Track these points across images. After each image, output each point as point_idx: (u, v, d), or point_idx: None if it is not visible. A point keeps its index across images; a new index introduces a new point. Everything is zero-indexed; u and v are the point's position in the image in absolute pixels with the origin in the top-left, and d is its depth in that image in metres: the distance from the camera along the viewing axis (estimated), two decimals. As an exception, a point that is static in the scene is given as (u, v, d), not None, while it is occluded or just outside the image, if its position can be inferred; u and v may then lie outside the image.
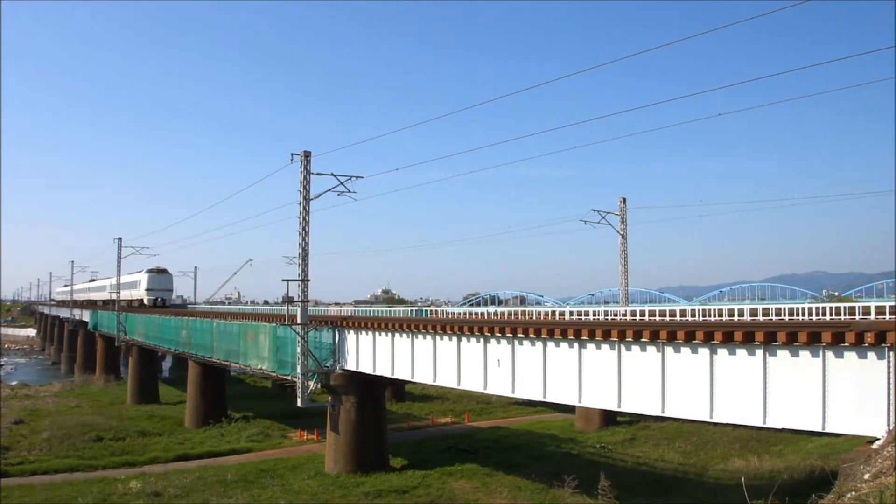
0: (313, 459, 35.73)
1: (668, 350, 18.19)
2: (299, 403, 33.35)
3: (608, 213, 49.21)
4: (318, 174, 33.83)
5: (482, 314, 60.53)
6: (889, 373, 13.85)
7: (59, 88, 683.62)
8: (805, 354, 15.30)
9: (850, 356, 14.55)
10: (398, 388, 57.30)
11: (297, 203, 33.73)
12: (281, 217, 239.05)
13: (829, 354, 14.86)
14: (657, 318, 44.94)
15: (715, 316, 43.92)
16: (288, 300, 33.92)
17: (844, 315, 41.39)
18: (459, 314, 67.01)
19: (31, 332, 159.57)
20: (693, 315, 45.26)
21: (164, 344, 57.94)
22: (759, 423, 16.29)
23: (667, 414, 18.44)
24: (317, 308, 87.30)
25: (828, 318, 42.13)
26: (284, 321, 34.23)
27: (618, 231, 49.21)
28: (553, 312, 58.96)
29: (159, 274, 73.63)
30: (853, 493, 8.39)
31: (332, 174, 33.90)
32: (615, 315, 47.88)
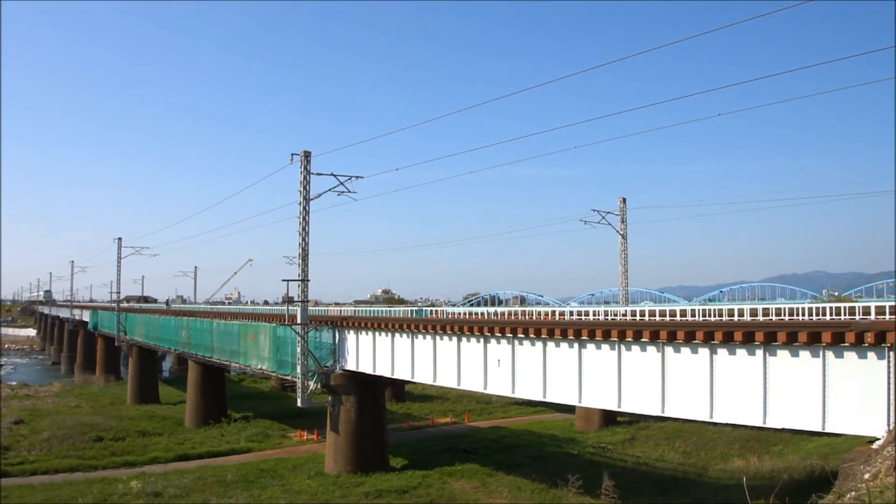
0: (313, 459, 35.73)
1: (668, 350, 18.19)
2: (299, 403, 33.36)
3: (608, 213, 49.28)
4: (318, 174, 33.86)
5: (482, 314, 60.53)
6: (889, 373, 13.85)
7: (58, 88, 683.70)
8: (805, 354, 15.30)
9: (850, 356, 14.55)
10: (398, 388, 57.30)
11: (297, 203, 33.75)
12: (281, 217, 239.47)
13: (829, 354, 14.86)
14: (657, 318, 44.94)
15: (715, 316, 43.93)
16: (288, 300, 33.93)
17: (844, 315, 41.40)
18: (459, 314, 67.01)
19: (32, 332, 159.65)
20: (693, 315, 45.26)
21: (164, 344, 57.95)
22: (759, 423, 16.29)
23: (667, 414, 18.44)
24: (317, 308, 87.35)
25: (828, 318, 42.14)
26: (284, 321, 34.24)
27: (618, 231, 49.24)
28: (553, 312, 58.96)
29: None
30: (853, 493, 8.39)
31: (332, 174, 33.94)
32: (615, 315, 47.91)
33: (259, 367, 39.46)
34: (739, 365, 16.54)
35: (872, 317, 38.91)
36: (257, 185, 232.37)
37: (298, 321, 32.91)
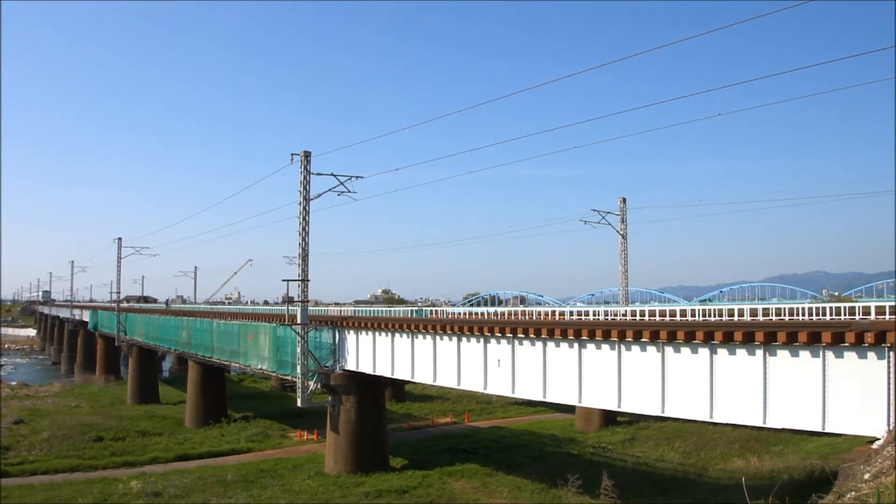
0: (313, 459, 35.73)
1: (668, 350, 18.18)
2: (299, 403, 33.35)
3: (608, 213, 49.28)
4: (318, 174, 33.86)
5: (482, 314, 60.51)
6: (889, 373, 13.84)
7: (58, 88, 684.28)
8: (805, 354, 15.30)
9: (850, 356, 14.54)
10: (398, 388, 57.31)
11: (297, 203, 33.75)
12: (281, 217, 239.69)
13: (829, 354, 14.86)
14: (657, 318, 44.94)
15: (715, 316, 43.91)
16: (288, 300, 33.93)
17: (844, 315, 41.39)
18: (459, 314, 67.00)
19: (32, 332, 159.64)
20: (693, 315, 45.25)
21: (164, 344, 57.95)
22: (759, 423, 16.28)
23: (667, 414, 18.44)
24: (317, 308, 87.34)
25: (828, 318, 42.13)
26: (284, 321, 34.24)
27: (618, 231, 49.24)
28: (553, 312, 58.94)
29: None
30: (853, 493, 8.39)
31: (332, 174, 33.94)
32: (615, 315, 47.89)
33: (259, 367, 39.46)
34: (739, 365, 16.54)
35: (872, 317, 38.90)
36: (257, 185, 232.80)
37: (298, 321, 32.91)
